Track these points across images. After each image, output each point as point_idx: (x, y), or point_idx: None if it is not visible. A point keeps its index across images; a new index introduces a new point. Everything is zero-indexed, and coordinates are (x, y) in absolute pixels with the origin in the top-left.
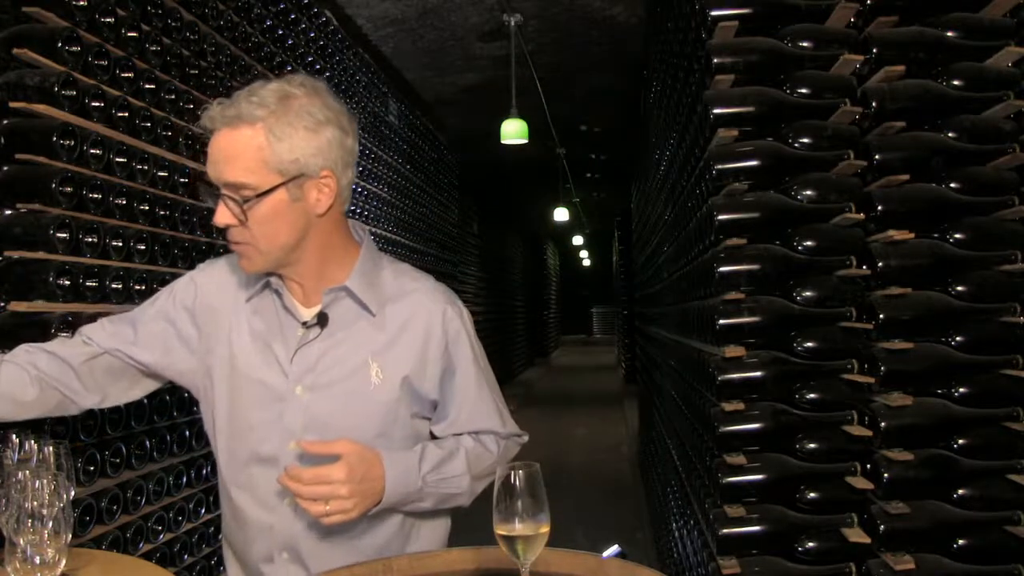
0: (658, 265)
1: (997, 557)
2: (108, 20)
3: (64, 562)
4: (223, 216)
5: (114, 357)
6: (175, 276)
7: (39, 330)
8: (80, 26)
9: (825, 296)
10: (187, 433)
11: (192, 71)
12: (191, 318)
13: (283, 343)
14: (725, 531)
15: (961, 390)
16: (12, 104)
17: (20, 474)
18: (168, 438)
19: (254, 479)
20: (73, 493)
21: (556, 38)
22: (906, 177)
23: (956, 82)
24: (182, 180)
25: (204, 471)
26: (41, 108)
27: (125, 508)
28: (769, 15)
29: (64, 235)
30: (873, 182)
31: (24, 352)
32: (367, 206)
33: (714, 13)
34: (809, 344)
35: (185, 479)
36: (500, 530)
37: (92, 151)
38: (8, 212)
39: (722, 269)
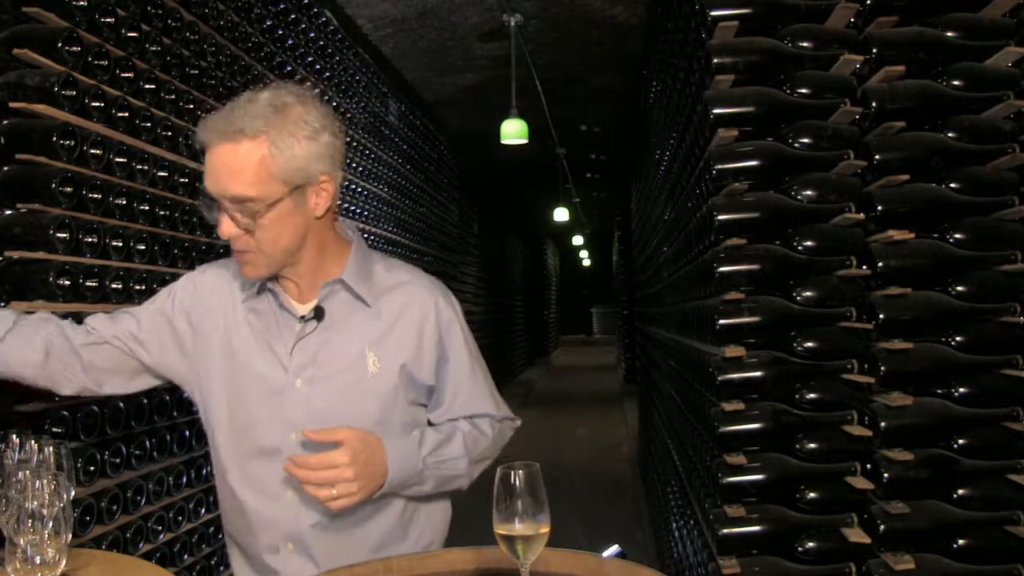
0: (658, 265)
1: (997, 557)
2: (108, 20)
3: (64, 562)
4: (229, 228)
5: (114, 348)
6: (175, 276)
7: None
8: (80, 26)
9: (825, 296)
10: (187, 433)
11: (192, 71)
12: (187, 318)
13: (281, 339)
14: (725, 531)
15: (961, 390)
16: (12, 104)
17: (20, 474)
18: (168, 438)
19: (257, 472)
20: (73, 493)
21: (556, 38)
22: (906, 177)
23: (956, 82)
24: (182, 180)
25: (204, 471)
26: (41, 108)
27: (125, 508)
28: (769, 15)
29: (64, 235)
30: (873, 182)
31: (40, 319)
32: (367, 206)
33: (714, 13)
34: (809, 344)
35: (185, 479)
36: (500, 530)
37: (92, 151)
38: (8, 212)
39: (722, 269)
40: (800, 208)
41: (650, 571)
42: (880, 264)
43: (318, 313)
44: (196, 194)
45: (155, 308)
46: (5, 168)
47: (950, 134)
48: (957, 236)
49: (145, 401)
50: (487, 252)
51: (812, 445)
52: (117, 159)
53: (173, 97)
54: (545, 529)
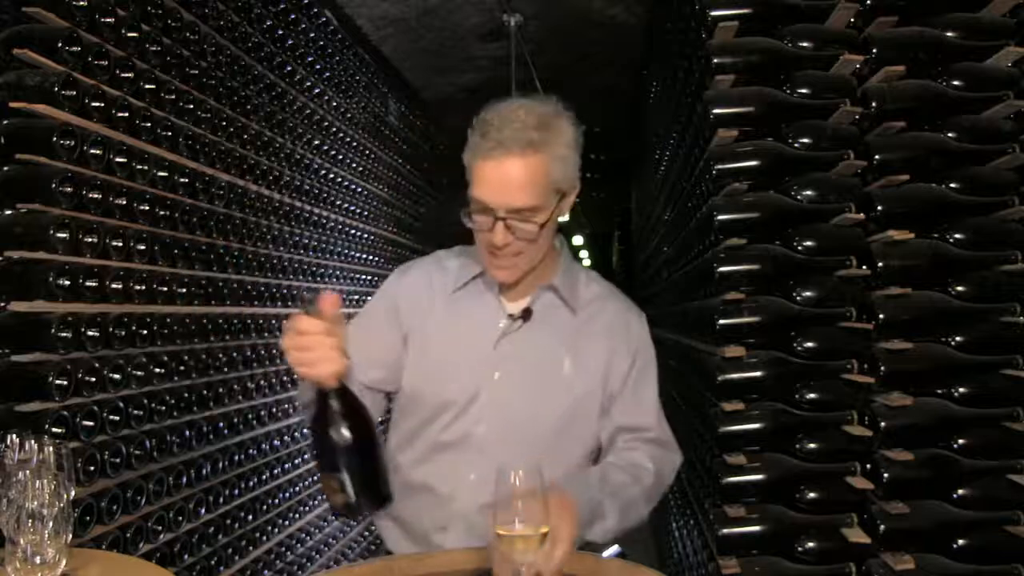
0: (658, 265)
1: (997, 557)
2: (108, 20)
3: (64, 562)
4: (505, 237)
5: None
6: (175, 276)
7: (39, 330)
8: (80, 26)
9: (825, 296)
10: (187, 433)
11: (192, 71)
12: (400, 317)
13: (486, 333)
14: (725, 531)
15: (961, 390)
16: (12, 104)
17: (20, 474)
18: (168, 438)
19: (443, 456)
20: (73, 493)
21: (556, 38)
22: (906, 177)
23: (956, 82)
24: (182, 180)
25: (204, 471)
26: (41, 108)
27: (125, 508)
28: (769, 15)
29: (64, 235)
30: (873, 182)
31: None
32: (367, 206)
33: (714, 13)
34: (809, 344)
35: (185, 479)
36: (500, 530)
37: (92, 151)
38: (8, 212)
39: (722, 269)
40: (800, 208)
41: (650, 571)
42: (880, 264)
43: (526, 314)
44: (196, 194)
45: (383, 329)
46: (5, 168)
47: (950, 134)
48: (957, 236)
49: (145, 401)
50: None
51: (812, 445)
52: (117, 159)
53: (173, 97)
54: (545, 529)
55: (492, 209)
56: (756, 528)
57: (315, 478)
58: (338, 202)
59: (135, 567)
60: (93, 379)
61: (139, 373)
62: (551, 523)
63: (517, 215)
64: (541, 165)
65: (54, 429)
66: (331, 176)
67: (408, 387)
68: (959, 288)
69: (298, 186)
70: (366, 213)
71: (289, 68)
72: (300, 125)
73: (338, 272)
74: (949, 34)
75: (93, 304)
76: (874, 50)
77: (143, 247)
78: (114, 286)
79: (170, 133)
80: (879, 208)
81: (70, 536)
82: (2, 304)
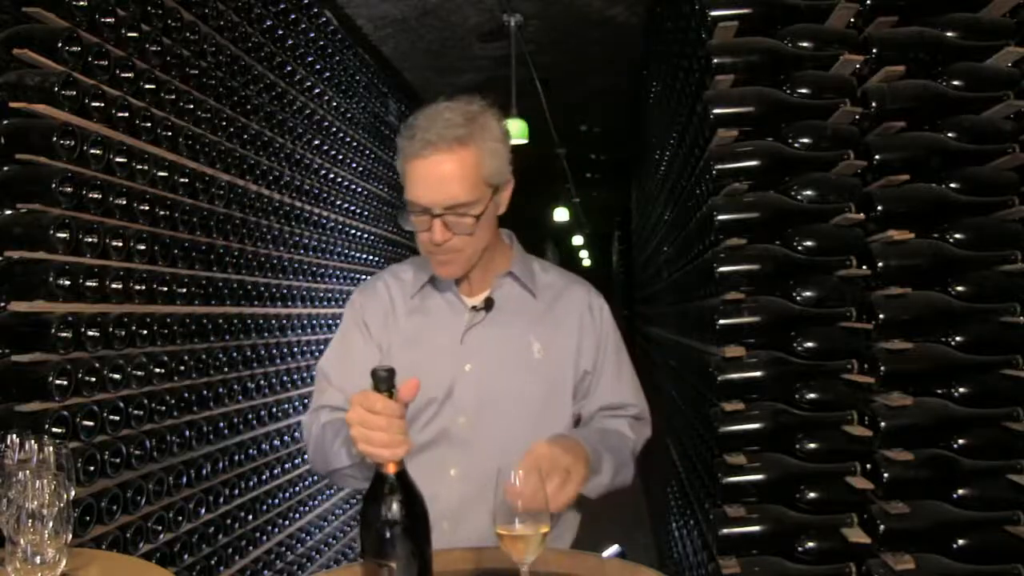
0: (658, 265)
1: (997, 557)
2: (108, 20)
3: (64, 562)
4: (443, 234)
5: None
6: (175, 276)
7: (39, 330)
8: (80, 26)
9: (825, 296)
10: (187, 433)
11: (192, 71)
12: (368, 334)
13: (450, 329)
14: (725, 531)
15: (961, 390)
16: (12, 104)
17: (20, 474)
18: (168, 438)
19: (425, 453)
20: (73, 493)
21: (556, 38)
22: (906, 177)
23: (956, 82)
24: (182, 180)
25: (204, 471)
26: (41, 108)
27: (125, 508)
28: (769, 15)
29: (64, 235)
30: (873, 182)
31: (316, 426)
32: (367, 206)
33: (714, 13)
34: (809, 344)
35: (185, 479)
36: (500, 530)
37: (92, 151)
38: (8, 212)
39: (722, 269)
40: (800, 208)
41: (650, 571)
42: (880, 264)
43: (488, 304)
44: (196, 194)
45: (362, 347)
46: (5, 168)
47: (950, 134)
48: (957, 236)
49: (145, 401)
50: None
51: (812, 445)
52: (117, 159)
53: (173, 97)
54: (545, 529)
55: (428, 208)
56: (756, 528)
57: (315, 478)
58: (338, 202)
59: (135, 567)
60: (93, 379)
61: (139, 373)
62: (565, 462)
63: (452, 211)
64: (471, 158)
65: (54, 429)
66: (331, 176)
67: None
68: (959, 288)
69: (298, 186)
70: (366, 213)
71: (289, 68)
72: (300, 125)
73: (338, 272)
74: (949, 34)
75: (93, 304)
76: (874, 50)
77: (143, 247)
78: (114, 286)
79: (170, 133)
80: (879, 208)
81: (70, 536)
82: (2, 304)
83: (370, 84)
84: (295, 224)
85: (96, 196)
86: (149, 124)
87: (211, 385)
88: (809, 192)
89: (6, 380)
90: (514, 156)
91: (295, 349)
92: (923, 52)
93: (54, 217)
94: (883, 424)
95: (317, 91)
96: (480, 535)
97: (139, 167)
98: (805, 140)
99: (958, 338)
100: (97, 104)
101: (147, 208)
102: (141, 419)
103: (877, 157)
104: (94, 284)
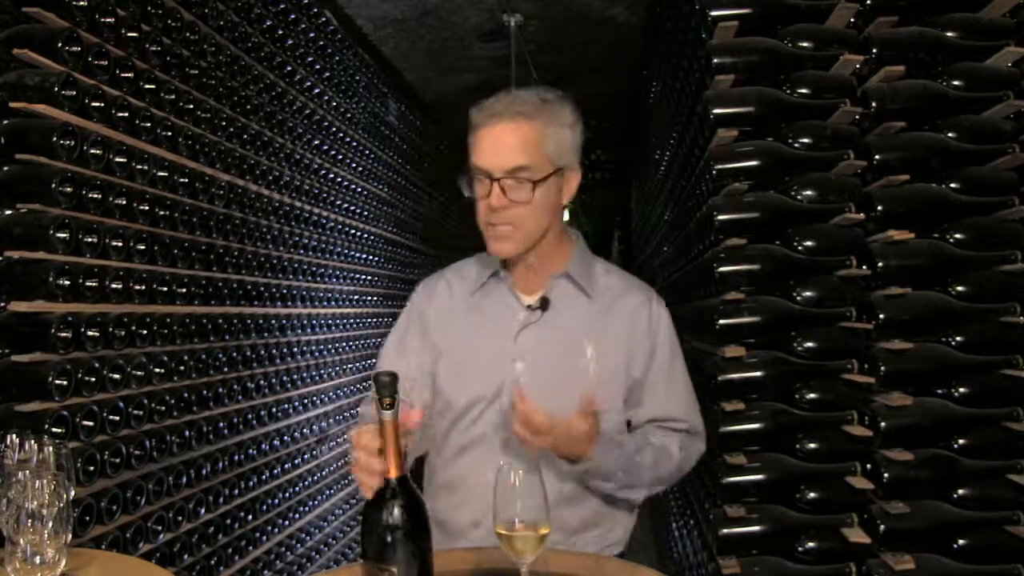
0: (658, 265)
1: (997, 557)
2: (108, 20)
3: (64, 562)
4: (499, 199)
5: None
6: (175, 276)
7: (39, 330)
8: (80, 26)
9: (825, 296)
10: (187, 433)
11: (192, 71)
12: (427, 332)
13: (505, 326)
14: (725, 531)
15: (961, 390)
16: (12, 104)
17: (20, 474)
18: (168, 438)
19: (474, 449)
20: (73, 493)
21: (556, 38)
22: (906, 177)
23: (956, 82)
24: (182, 180)
25: (204, 471)
26: (41, 108)
27: (125, 508)
28: (769, 15)
29: (64, 235)
30: (873, 182)
31: None
32: (367, 206)
33: (714, 13)
34: (809, 344)
35: (185, 479)
36: (500, 530)
37: (92, 151)
38: (8, 212)
39: (722, 269)
40: (800, 208)
41: (650, 571)
42: (880, 264)
43: (543, 303)
44: (196, 194)
45: (418, 347)
46: (5, 168)
47: (950, 134)
48: (957, 236)
49: (144, 401)
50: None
51: (812, 445)
52: (117, 159)
53: (173, 97)
54: (545, 530)
55: (488, 171)
56: (756, 528)
57: (315, 478)
58: (338, 202)
59: (135, 567)
60: (93, 379)
61: (139, 373)
62: (584, 425)
63: (512, 175)
64: (533, 131)
65: (54, 429)
66: (331, 176)
67: (439, 390)
68: (959, 288)
69: (298, 186)
70: (366, 213)
71: (289, 68)
72: (300, 125)
73: (338, 272)
74: (949, 34)
75: (93, 304)
76: (874, 50)
77: (143, 247)
78: (114, 286)
79: (170, 133)
80: (879, 208)
81: (70, 536)
82: (2, 304)
83: (370, 84)
84: (295, 224)
85: (96, 196)
86: (149, 124)
87: (211, 385)
88: (809, 192)
89: (6, 380)
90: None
91: (295, 349)
92: (923, 52)
93: (54, 217)
94: (883, 424)
95: (317, 91)
96: None
97: (139, 167)
98: (805, 140)
99: (958, 338)
100: (97, 104)
101: (147, 208)
102: (141, 419)
103: (877, 157)
104: (94, 284)
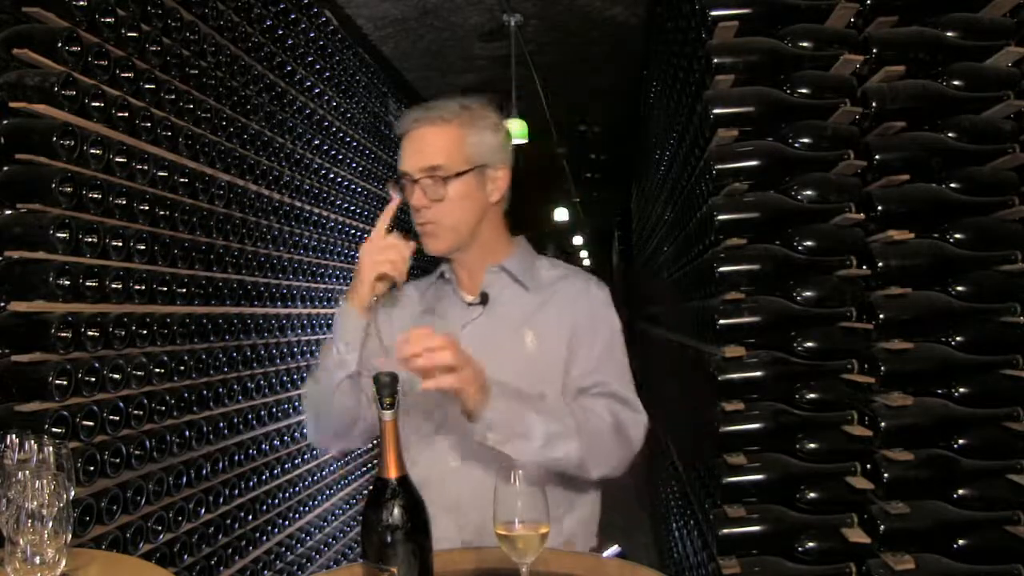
0: (658, 265)
1: (997, 557)
2: (108, 20)
3: (64, 562)
4: (420, 199)
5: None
6: (175, 276)
7: (39, 330)
8: (80, 26)
9: (825, 296)
10: (187, 433)
11: (192, 71)
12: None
13: (450, 323)
14: (725, 531)
15: (961, 390)
16: (12, 104)
17: (20, 474)
18: (168, 438)
19: (424, 450)
20: (73, 493)
21: (556, 38)
22: (906, 177)
23: (956, 82)
24: (182, 180)
25: (204, 471)
26: (41, 108)
27: (125, 508)
28: (769, 15)
29: (64, 235)
30: (873, 182)
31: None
32: (367, 206)
33: (714, 13)
34: (809, 344)
35: (185, 479)
36: (500, 530)
37: (92, 151)
38: (8, 212)
39: (722, 269)
40: (800, 208)
41: (650, 571)
42: (880, 264)
43: (483, 298)
44: (196, 194)
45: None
46: (5, 168)
47: (950, 134)
48: (957, 236)
49: (144, 401)
50: None
51: (812, 445)
52: (117, 159)
53: (173, 97)
54: (545, 530)
55: (409, 173)
56: (756, 528)
57: (315, 478)
58: (338, 202)
59: (135, 567)
60: (93, 379)
61: (139, 373)
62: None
63: (427, 175)
64: (450, 133)
65: (54, 429)
66: (331, 176)
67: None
68: (959, 288)
69: (298, 186)
70: (366, 213)
71: (289, 68)
72: (300, 125)
73: (338, 272)
74: (949, 34)
75: (93, 304)
76: (874, 50)
77: (143, 247)
78: (114, 286)
79: (170, 133)
80: (879, 208)
81: (70, 536)
82: (2, 304)
83: (370, 84)
84: (295, 224)
85: (96, 196)
86: (149, 124)
87: (211, 385)
88: (809, 192)
89: (6, 380)
90: (514, 156)
91: (295, 349)
92: (923, 52)
93: (54, 217)
94: (883, 424)
95: (317, 91)
96: (484, 526)
97: (139, 167)
98: (805, 140)
99: (958, 338)
100: (97, 104)
101: (147, 208)
102: (141, 419)
103: (877, 157)
104: (94, 284)
